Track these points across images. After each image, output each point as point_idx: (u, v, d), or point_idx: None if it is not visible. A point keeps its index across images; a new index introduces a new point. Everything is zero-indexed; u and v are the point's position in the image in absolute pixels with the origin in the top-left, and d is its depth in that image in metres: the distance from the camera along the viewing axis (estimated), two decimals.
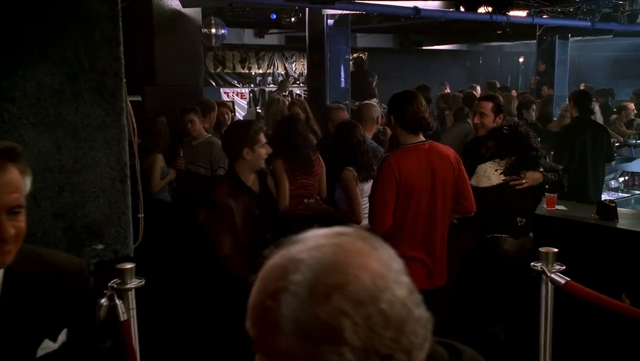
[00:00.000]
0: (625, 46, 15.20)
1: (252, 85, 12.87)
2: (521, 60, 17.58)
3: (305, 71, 13.28)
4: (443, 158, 3.14)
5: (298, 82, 13.42)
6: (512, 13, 7.78)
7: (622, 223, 4.10)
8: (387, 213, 3.05)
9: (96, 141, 2.44)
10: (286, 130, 4.08)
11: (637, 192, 7.12)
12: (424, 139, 3.17)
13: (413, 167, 3.07)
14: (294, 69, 13.59)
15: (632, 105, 8.81)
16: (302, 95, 12.30)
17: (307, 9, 7.64)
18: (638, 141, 8.04)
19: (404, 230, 3.09)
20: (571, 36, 10.45)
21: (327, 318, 0.79)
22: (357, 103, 6.96)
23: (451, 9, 7.22)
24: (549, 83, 10.01)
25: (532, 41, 11.77)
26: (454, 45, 15.07)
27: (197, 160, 4.87)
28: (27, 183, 1.51)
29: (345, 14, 7.70)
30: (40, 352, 1.61)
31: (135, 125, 2.61)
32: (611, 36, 10.38)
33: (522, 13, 8.21)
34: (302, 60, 13.36)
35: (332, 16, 7.82)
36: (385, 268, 0.83)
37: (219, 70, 12.26)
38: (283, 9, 8.58)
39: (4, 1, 2.19)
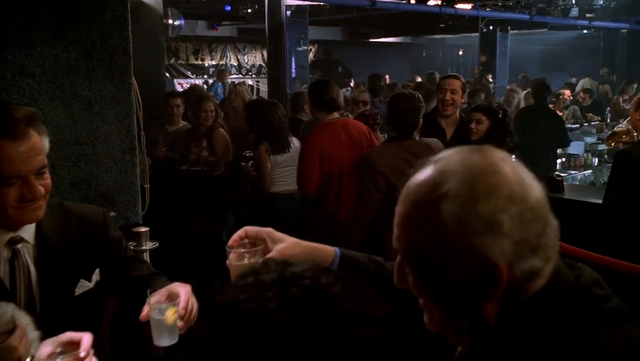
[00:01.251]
0: (555, 40, 16.20)
1: (205, 76, 12.93)
2: (460, 52, 18.38)
3: (258, 62, 13.48)
4: (358, 130, 3.82)
5: (251, 73, 13.58)
6: (458, 6, 8.25)
7: (568, 195, 4.61)
8: (313, 176, 3.68)
9: (108, 115, 2.60)
10: (268, 116, 4.41)
11: (573, 171, 7.77)
12: (338, 116, 3.86)
13: (330, 138, 3.71)
14: (246, 60, 13.73)
15: (568, 92, 9.50)
16: (255, 85, 12.49)
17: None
18: (573, 125, 8.70)
19: (330, 190, 3.69)
20: (510, 29, 11.12)
21: (488, 214, 0.89)
22: None
23: (403, 1, 7.59)
24: (491, 73, 10.62)
25: (473, 34, 12.40)
26: (399, 37, 15.58)
27: (175, 146, 5.02)
28: (46, 143, 1.68)
29: (302, 5, 7.95)
30: (79, 291, 1.82)
31: (140, 101, 2.78)
32: (546, 29, 11.10)
33: (468, 6, 8.71)
34: (254, 52, 13.51)
35: (288, 7, 8.05)
36: (524, 175, 0.94)
37: (172, 61, 12.26)
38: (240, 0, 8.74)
39: None
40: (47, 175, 1.68)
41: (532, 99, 6.39)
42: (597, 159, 7.98)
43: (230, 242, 1.36)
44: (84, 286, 1.84)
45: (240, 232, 1.35)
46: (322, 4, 7.63)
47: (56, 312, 1.69)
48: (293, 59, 8.67)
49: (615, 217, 2.98)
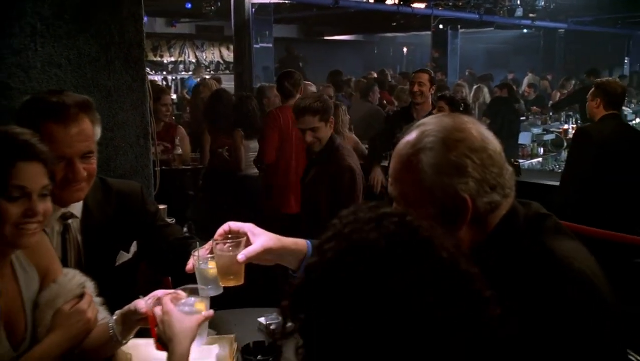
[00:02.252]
0: (499, 39, 17.04)
1: (164, 73, 12.96)
2: (405, 50, 19.03)
3: (216, 59, 13.61)
4: None
5: (209, 70, 13.69)
6: (414, 5, 8.70)
7: (523, 177, 5.13)
8: (271, 149, 4.31)
9: (125, 103, 2.81)
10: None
11: (521, 160, 8.34)
12: None
13: (288, 118, 4.28)
14: (204, 57, 13.84)
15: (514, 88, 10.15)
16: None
17: None
18: (521, 118, 9.32)
19: (280, 161, 4.34)
20: (460, 28, 11.71)
21: (456, 159, 1.18)
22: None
23: (364, 0, 7.97)
24: (443, 70, 11.17)
25: (422, 33, 12.95)
26: (352, 35, 16.02)
27: None
28: (97, 131, 1.86)
29: (266, 3, 8.19)
30: (119, 261, 2.02)
31: (151, 90, 3.00)
32: (492, 29, 11.75)
33: (422, 5, 9.18)
34: (212, 49, 13.65)
35: (253, 5, 8.27)
36: (486, 132, 1.23)
37: None
38: None
39: None
40: (94, 160, 1.84)
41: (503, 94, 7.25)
42: (542, 149, 8.65)
43: (215, 236, 1.55)
44: (123, 256, 2.02)
45: (224, 227, 1.55)
46: (286, 1, 7.92)
47: (100, 281, 1.80)
48: (254, 55, 8.91)
49: (574, 187, 3.46)
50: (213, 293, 1.62)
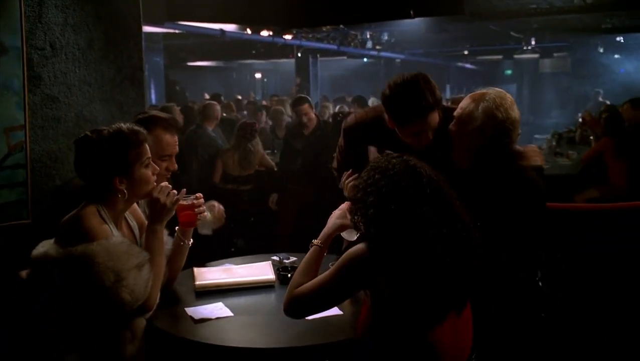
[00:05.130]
0: (343, 67, 19.11)
1: None
2: (259, 76, 20.42)
3: None
4: None
5: None
6: (285, 36, 9.99)
7: None
8: None
9: (131, 113, 3.58)
10: None
11: None
12: None
13: None
14: None
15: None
16: None
17: None
18: None
19: None
20: (319, 56, 13.29)
21: (502, 116, 2.17)
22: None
23: (244, 32, 9.05)
24: (307, 93, 12.61)
25: (280, 60, 14.32)
26: (213, 62, 16.92)
27: None
28: None
29: (156, 32, 8.86)
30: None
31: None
32: (345, 58, 13.50)
33: (290, 36, 10.51)
34: None
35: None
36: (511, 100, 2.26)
37: None
38: None
39: (86, 20, 3.28)
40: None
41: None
42: None
43: None
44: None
45: None
46: (176, 31, 8.69)
47: None
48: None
49: None
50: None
